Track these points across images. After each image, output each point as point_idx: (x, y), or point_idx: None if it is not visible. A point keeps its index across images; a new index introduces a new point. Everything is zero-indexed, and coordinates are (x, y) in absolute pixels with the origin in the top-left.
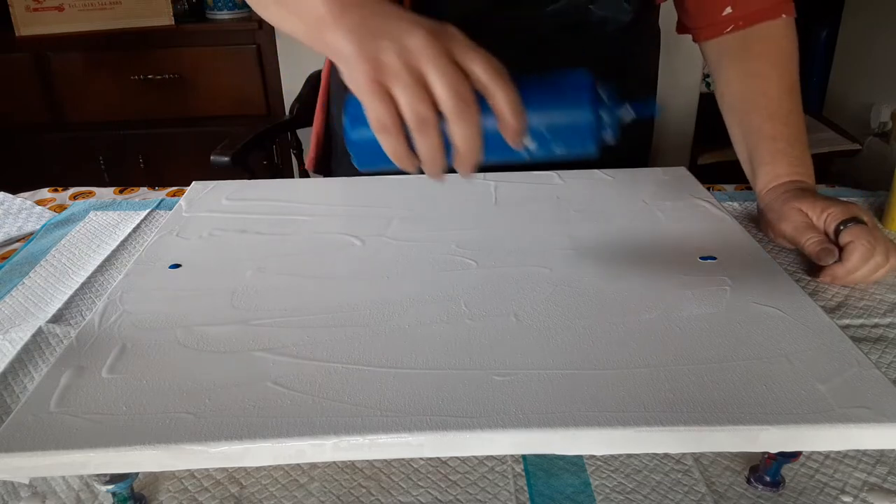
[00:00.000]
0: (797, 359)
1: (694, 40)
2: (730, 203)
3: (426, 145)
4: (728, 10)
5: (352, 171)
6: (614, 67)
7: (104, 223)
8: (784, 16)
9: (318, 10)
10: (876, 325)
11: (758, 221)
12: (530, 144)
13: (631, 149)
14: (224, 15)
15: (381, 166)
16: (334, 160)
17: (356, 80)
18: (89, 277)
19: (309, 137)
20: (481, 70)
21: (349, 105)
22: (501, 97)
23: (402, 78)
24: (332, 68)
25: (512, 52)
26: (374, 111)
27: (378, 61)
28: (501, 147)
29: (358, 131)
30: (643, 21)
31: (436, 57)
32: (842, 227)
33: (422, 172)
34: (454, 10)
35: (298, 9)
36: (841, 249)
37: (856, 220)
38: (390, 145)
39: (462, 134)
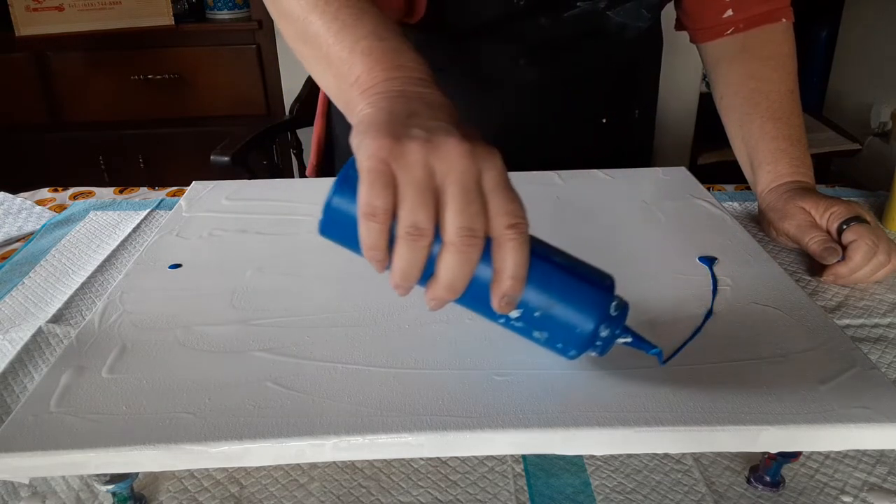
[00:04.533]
0: (797, 359)
1: (692, 41)
2: (730, 203)
3: (407, 259)
4: (729, 12)
5: None
6: (628, 72)
7: (104, 223)
8: (784, 20)
9: (357, 71)
10: (876, 325)
11: (758, 221)
12: (514, 314)
13: (631, 148)
14: (224, 15)
15: (345, 245)
16: (336, 167)
17: (368, 149)
18: (89, 277)
19: (309, 137)
20: (502, 216)
21: (349, 166)
22: (510, 257)
23: (416, 174)
24: None
25: (529, 58)
26: (370, 193)
27: (400, 143)
28: (482, 299)
29: (344, 197)
30: (655, 25)
31: (464, 176)
32: (844, 226)
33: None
34: (473, 17)
35: (339, 69)
36: (843, 248)
37: (858, 219)
38: (371, 237)
39: (452, 270)
